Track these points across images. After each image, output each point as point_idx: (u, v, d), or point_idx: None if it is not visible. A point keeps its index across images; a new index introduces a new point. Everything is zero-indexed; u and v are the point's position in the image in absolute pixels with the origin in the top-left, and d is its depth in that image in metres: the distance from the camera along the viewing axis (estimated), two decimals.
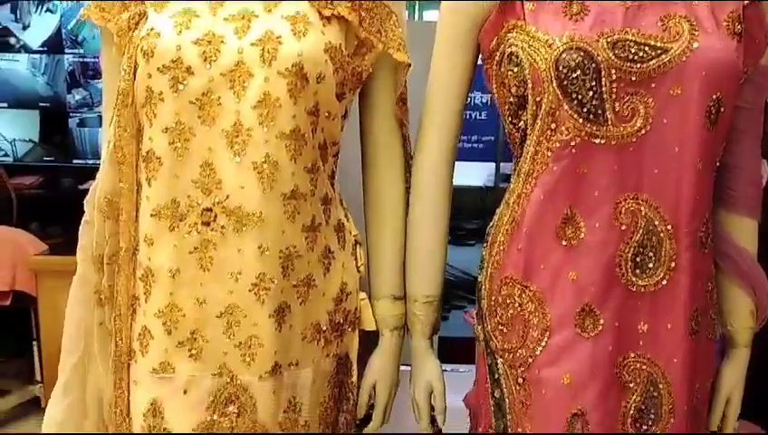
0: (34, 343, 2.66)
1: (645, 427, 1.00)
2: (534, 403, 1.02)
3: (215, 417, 1.01)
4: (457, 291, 4.27)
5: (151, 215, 1.00)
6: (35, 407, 2.68)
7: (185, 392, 1.01)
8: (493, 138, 4.73)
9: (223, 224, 0.99)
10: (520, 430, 1.04)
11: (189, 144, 0.98)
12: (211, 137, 0.97)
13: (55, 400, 1.16)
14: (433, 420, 1.20)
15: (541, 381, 1.01)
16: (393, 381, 1.17)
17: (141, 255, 1.03)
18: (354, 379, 1.15)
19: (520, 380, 1.03)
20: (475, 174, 4.86)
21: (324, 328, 1.09)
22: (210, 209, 0.99)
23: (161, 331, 1.01)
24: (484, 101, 4.64)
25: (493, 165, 4.61)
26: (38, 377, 2.70)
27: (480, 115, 4.69)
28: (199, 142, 0.98)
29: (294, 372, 1.05)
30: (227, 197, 0.98)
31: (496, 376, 1.08)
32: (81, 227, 1.10)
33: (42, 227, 2.71)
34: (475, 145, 4.82)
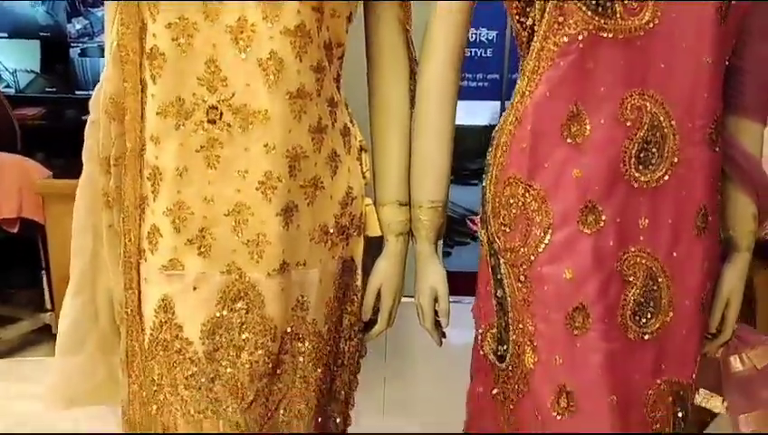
0: (43, 272, 2.70)
1: (644, 320, 1.02)
2: (536, 299, 1.03)
3: (224, 313, 1.03)
4: (461, 228, 4.31)
5: (157, 113, 1.01)
6: (47, 334, 2.73)
7: (194, 289, 1.02)
8: (498, 76, 4.68)
9: (229, 122, 0.99)
10: (521, 326, 1.06)
11: (193, 40, 0.97)
12: (215, 33, 0.97)
13: (67, 300, 1.18)
14: (437, 325, 1.22)
15: (542, 277, 1.03)
16: (398, 286, 1.19)
17: (148, 154, 1.03)
18: (359, 283, 1.17)
19: (522, 277, 1.05)
20: (480, 113, 4.82)
21: (331, 230, 1.10)
22: (216, 107, 0.99)
23: (170, 229, 1.02)
24: (489, 38, 4.57)
25: (498, 104, 4.57)
26: (48, 305, 2.75)
27: (485, 53, 4.62)
28: (203, 38, 0.97)
29: (302, 272, 1.07)
30: (233, 94, 0.98)
31: (499, 276, 1.09)
32: (86, 129, 1.11)
33: (46, 158, 2.72)
34: (481, 84, 4.76)
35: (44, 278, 2.69)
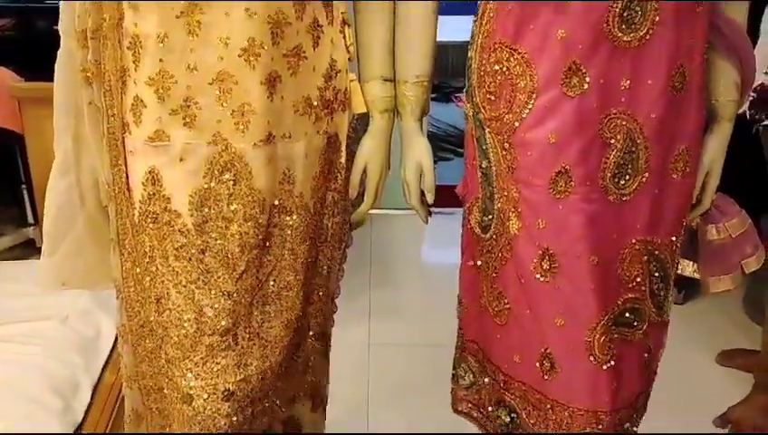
0: (23, 186, 2.67)
1: (622, 182, 1.04)
2: (520, 166, 1.05)
3: (212, 184, 1.03)
4: (444, 144, 4.32)
5: None
6: (31, 248, 2.73)
7: (181, 160, 1.02)
8: None
9: None
10: (505, 194, 1.08)
11: None
12: None
13: (52, 184, 1.18)
14: (423, 202, 1.24)
15: (526, 143, 1.04)
16: (384, 162, 1.20)
17: (127, 22, 1.01)
18: (343, 160, 1.17)
19: (506, 144, 1.06)
20: (462, 29, 4.75)
21: (315, 103, 1.09)
22: None
23: (154, 99, 1.01)
24: None
25: None
26: (31, 219, 2.74)
27: None
28: None
29: (288, 144, 1.07)
30: None
31: (484, 147, 1.10)
32: (61, 3, 1.08)
33: (18, 71, 2.64)
34: None
35: (25, 193, 2.66)
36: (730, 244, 1.21)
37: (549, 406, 1.10)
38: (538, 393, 1.11)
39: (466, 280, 1.23)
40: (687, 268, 1.27)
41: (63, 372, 1.46)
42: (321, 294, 1.22)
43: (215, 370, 1.07)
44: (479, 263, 1.17)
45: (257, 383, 1.11)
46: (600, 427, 1.08)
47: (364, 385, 2.28)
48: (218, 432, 1.07)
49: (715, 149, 1.16)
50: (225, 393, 1.07)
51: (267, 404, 1.17)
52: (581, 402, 1.07)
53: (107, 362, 1.57)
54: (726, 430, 2.11)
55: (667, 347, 2.42)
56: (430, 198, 1.21)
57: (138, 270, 1.12)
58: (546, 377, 1.09)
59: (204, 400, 1.07)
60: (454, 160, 4.06)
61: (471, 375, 1.26)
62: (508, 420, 1.17)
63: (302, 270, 1.13)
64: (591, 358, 1.06)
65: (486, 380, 1.21)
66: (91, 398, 1.47)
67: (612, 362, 1.06)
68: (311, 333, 1.23)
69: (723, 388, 2.24)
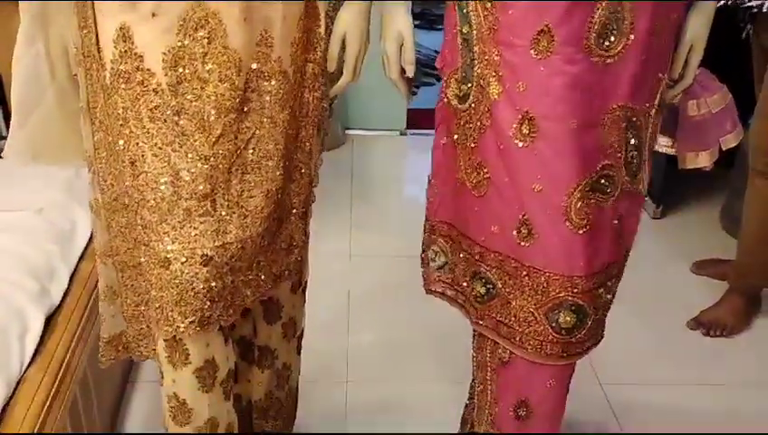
0: None
1: (607, 43, 1.02)
2: (501, 25, 1.03)
3: (185, 42, 1.00)
4: (427, 69, 4.27)
5: None
6: None
7: (153, 16, 0.99)
8: None
9: None
10: (486, 58, 1.06)
11: None
12: None
13: (18, 51, 1.14)
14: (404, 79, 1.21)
15: (507, 2, 1.01)
16: (363, 34, 1.17)
17: None
18: (322, 30, 1.15)
19: (488, 4, 1.04)
20: None
21: None
22: None
23: None
24: None
25: None
26: (3, 132, 2.67)
27: None
28: None
29: (264, 5, 1.04)
30: None
31: (465, 11, 1.08)
32: None
33: None
34: None
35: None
36: (710, 120, 1.21)
37: (525, 273, 1.11)
38: (514, 261, 1.12)
39: (438, 158, 1.22)
40: (664, 144, 1.27)
41: (39, 258, 1.44)
42: (302, 171, 1.21)
43: (192, 234, 1.06)
44: (456, 137, 1.16)
45: (237, 252, 1.10)
46: (576, 290, 1.09)
47: (345, 293, 2.30)
48: (195, 296, 1.07)
49: (698, 26, 1.14)
50: (204, 258, 1.07)
51: (251, 277, 1.17)
52: (557, 267, 1.08)
53: (84, 253, 1.56)
54: (699, 332, 2.16)
55: (644, 259, 2.48)
56: (410, 71, 1.19)
57: (110, 139, 1.10)
58: (523, 244, 1.10)
59: (182, 263, 1.06)
60: (436, 85, 4.02)
61: (443, 256, 1.26)
62: (484, 291, 1.17)
63: (283, 140, 1.11)
64: (568, 223, 1.06)
65: (461, 255, 1.21)
66: (68, 284, 1.46)
67: (588, 228, 1.07)
68: (293, 211, 1.22)
69: (697, 295, 2.29)
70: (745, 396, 1.94)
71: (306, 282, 1.42)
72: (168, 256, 1.06)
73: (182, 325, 1.09)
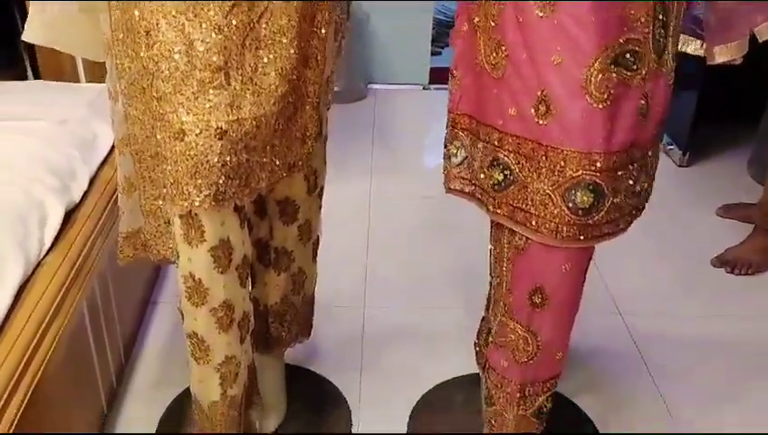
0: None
1: None
2: None
3: None
4: (450, 30, 4.25)
5: None
6: None
7: None
8: None
9: None
10: None
11: None
12: None
13: None
14: None
15: None
16: None
17: None
18: None
19: None
20: None
21: None
22: None
23: None
24: None
25: None
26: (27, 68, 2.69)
27: None
28: None
29: None
30: None
31: None
32: None
33: None
34: None
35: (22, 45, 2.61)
36: (737, 9, 1.17)
37: (542, 153, 1.09)
38: (532, 143, 1.10)
39: (460, 46, 1.20)
40: (691, 45, 1.24)
41: (60, 159, 1.46)
42: (318, 59, 1.20)
43: (206, 106, 1.06)
44: (476, 20, 1.14)
45: (251, 129, 1.10)
46: (593, 168, 1.07)
47: (364, 229, 2.30)
48: (210, 169, 1.07)
49: None
50: (218, 131, 1.06)
51: (266, 160, 1.16)
52: (575, 143, 1.06)
53: (105, 161, 1.57)
54: (723, 270, 2.13)
55: (670, 204, 2.45)
56: None
57: (127, 17, 1.09)
58: (541, 122, 1.08)
59: (196, 135, 1.06)
60: None
61: (462, 150, 1.25)
62: (501, 177, 1.16)
63: (296, 17, 1.10)
64: (587, 96, 1.04)
65: (480, 145, 1.19)
66: (89, 187, 1.47)
67: (608, 103, 1.05)
68: (308, 100, 1.22)
69: (723, 237, 2.25)
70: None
71: (323, 187, 1.42)
72: (183, 127, 1.06)
73: (197, 199, 1.09)
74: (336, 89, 3.49)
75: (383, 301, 1.96)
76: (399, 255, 2.17)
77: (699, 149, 2.75)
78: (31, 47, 2.63)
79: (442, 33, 3.98)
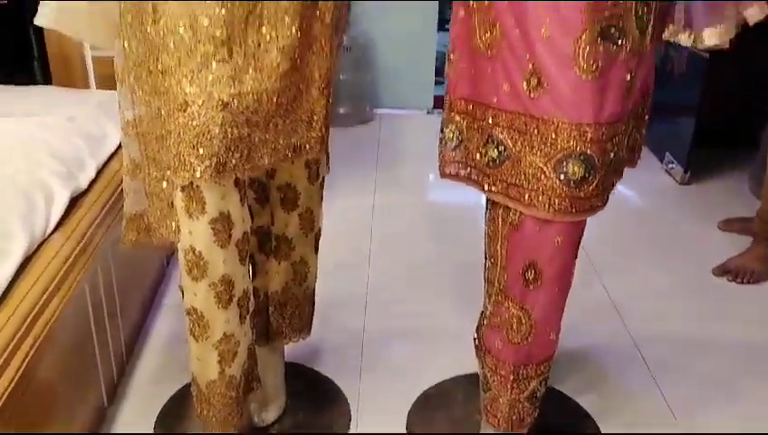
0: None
1: None
2: None
3: None
4: None
5: None
6: None
7: None
8: None
9: None
10: None
11: None
12: None
13: None
14: None
15: None
16: None
17: None
18: None
19: None
20: None
21: None
22: None
23: None
24: None
25: None
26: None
27: None
28: None
29: None
30: None
31: None
32: None
33: None
34: None
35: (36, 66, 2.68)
36: None
37: (534, 126, 1.12)
38: (525, 116, 1.13)
39: (456, 30, 1.24)
40: (682, 35, 1.27)
41: (68, 149, 1.50)
42: (322, 43, 1.23)
43: (209, 79, 1.10)
44: (472, 4, 1.19)
45: (252, 103, 1.13)
46: (584, 139, 1.09)
47: (367, 236, 2.33)
48: (212, 140, 1.10)
49: None
50: (220, 102, 1.10)
51: (269, 138, 1.19)
52: (566, 114, 1.09)
53: (113, 155, 1.61)
54: (725, 279, 2.13)
55: (672, 220, 2.47)
56: None
57: None
58: (533, 95, 1.11)
59: (199, 106, 1.10)
60: None
61: (458, 133, 1.27)
62: (496, 154, 1.18)
63: None
64: (576, 69, 1.07)
65: (476, 126, 1.22)
66: (96, 177, 1.51)
67: (596, 74, 1.08)
68: (314, 83, 1.24)
69: (723, 249, 2.25)
70: None
71: (324, 177, 1.45)
72: (186, 98, 1.10)
73: (199, 169, 1.12)
74: (342, 111, 3.58)
75: (384, 301, 1.97)
76: (400, 257, 2.20)
77: (700, 168, 2.78)
78: (44, 60, 2.72)
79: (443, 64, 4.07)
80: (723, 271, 2.14)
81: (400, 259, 2.20)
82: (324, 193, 1.45)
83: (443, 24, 4.41)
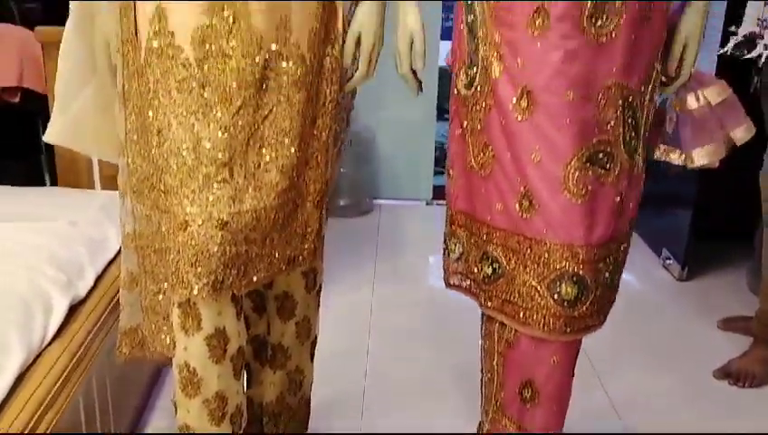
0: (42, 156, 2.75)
1: (599, 23, 1.08)
2: (500, 7, 1.11)
3: (213, 21, 1.11)
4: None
5: None
6: None
7: None
8: None
9: None
10: (488, 41, 1.14)
11: None
12: None
13: (66, 46, 1.27)
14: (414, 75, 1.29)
15: None
16: (377, 30, 1.26)
17: None
18: (340, 27, 1.25)
19: None
20: None
21: None
22: None
23: None
24: None
25: None
26: (47, 181, 2.81)
27: None
28: None
29: None
30: None
31: (469, 2, 1.17)
32: None
33: None
34: None
35: (43, 154, 2.74)
36: (711, 112, 1.25)
37: (527, 246, 1.14)
38: (518, 236, 1.15)
39: (454, 148, 1.28)
40: (673, 155, 1.31)
41: (68, 256, 1.51)
42: (319, 160, 1.27)
43: (210, 199, 1.13)
44: (465, 124, 1.23)
45: (251, 221, 1.16)
46: (576, 260, 1.11)
47: (365, 335, 2.31)
48: (210, 258, 1.12)
49: (691, 24, 1.21)
50: (219, 222, 1.13)
51: (265, 252, 1.21)
52: (557, 235, 1.11)
53: (113, 261, 1.63)
54: (726, 382, 2.10)
55: (671, 318, 2.47)
56: (420, 64, 1.26)
57: (141, 120, 1.18)
58: (525, 216, 1.13)
59: (198, 225, 1.12)
60: None
61: (460, 246, 1.30)
62: (490, 271, 1.20)
63: (298, 119, 1.19)
64: (566, 192, 1.10)
65: (473, 240, 1.25)
66: (95, 284, 1.52)
67: (586, 198, 1.11)
68: (309, 198, 1.27)
69: (724, 350, 2.24)
70: None
71: (321, 285, 1.46)
72: (187, 218, 1.12)
73: (196, 287, 1.13)
74: (342, 203, 3.60)
75: (381, 405, 1.94)
76: (399, 359, 2.18)
77: (698, 265, 2.79)
78: (51, 163, 2.78)
79: (444, 156, 4.14)
80: (724, 374, 2.12)
81: (398, 360, 2.18)
82: (323, 286, 1.46)
83: (442, 113, 4.54)
